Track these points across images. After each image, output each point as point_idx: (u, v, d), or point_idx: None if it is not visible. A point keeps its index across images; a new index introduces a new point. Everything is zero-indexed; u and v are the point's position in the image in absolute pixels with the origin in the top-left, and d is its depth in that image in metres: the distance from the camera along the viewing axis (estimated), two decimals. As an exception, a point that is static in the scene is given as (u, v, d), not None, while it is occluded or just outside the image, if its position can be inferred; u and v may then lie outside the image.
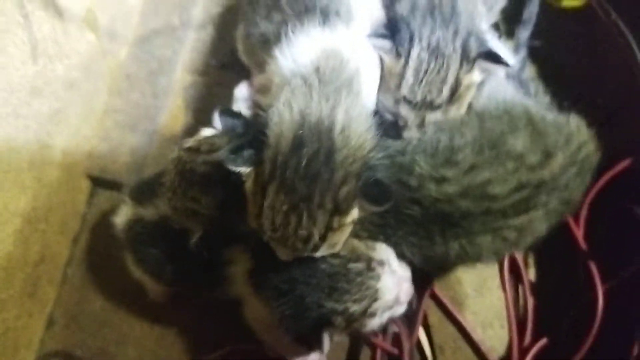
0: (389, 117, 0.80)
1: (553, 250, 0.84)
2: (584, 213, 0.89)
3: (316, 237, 0.63)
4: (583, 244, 0.88)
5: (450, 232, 0.72)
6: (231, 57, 1.15)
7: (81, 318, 1.04)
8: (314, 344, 0.73)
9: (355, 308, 0.70)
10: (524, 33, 0.94)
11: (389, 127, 0.79)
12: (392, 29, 0.78)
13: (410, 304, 0.93)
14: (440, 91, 0.76)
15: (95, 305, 1.05)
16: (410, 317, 0.94)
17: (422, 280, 0.95)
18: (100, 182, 1.11)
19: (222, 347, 0.94)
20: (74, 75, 1.03)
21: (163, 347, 1.00)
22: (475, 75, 0.77)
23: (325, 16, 0.77)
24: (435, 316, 0.96)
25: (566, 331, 0.89)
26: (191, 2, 1.21)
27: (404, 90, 0.76)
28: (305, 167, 0.61)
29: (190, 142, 0.76)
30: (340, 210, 0.63)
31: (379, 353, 0.91)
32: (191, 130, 0.95)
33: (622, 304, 0.82)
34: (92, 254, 1.08)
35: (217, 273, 0.77)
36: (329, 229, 0.63)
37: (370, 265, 0.71)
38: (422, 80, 0.75)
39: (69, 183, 1.06)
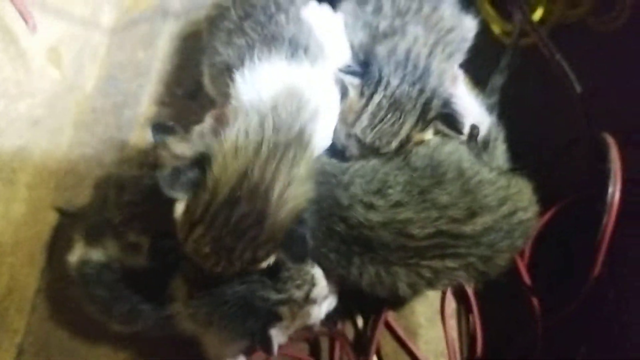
0: (338, 144, 0.82)
1: (500, 281, 0.86)
2: (528, 246, 0.91)
3: (232, 272, 0.68)
4: (526, 277, 0.90)
5: (369, 256, 0.74)
6: (196, 87, 1.18)
7: (50, 347, 1.07)
8: (264, 347, 0.74)
9: (298, 294, 0.74)
10: (499, 80, 0.95)
11: (336, 151, 0.82)
12: (365, 67, 0.78)
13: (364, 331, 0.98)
14: (389, 143, 0.78)
15: (63, 335, 1.07)
16: (364, 346, 0.97)
17: (376, 309, 0.99)
18: (67, 214, 1.13)
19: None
20: (38, 112, 1.06)
21: (128, 376, 1.03)
22: (428, 135, 0.79)
23: (294, 49, 0.77)
24: (389, 346, 0.98)
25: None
26: (156, 34, 1.24)
27: (357, 130, 0.79)
28: (234, 224, 0.64)
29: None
30: (257, 261, 0.67)
31: (332, 383, 0.94)
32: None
33: (563, 334, 0.85)
34: (60, 284, 1.10)
35: (165, 313, 0.79)
36: (244, 269, 0.67)
37: None
38: (375, 127, 0.77)
39: (35, 216, 1.08)
